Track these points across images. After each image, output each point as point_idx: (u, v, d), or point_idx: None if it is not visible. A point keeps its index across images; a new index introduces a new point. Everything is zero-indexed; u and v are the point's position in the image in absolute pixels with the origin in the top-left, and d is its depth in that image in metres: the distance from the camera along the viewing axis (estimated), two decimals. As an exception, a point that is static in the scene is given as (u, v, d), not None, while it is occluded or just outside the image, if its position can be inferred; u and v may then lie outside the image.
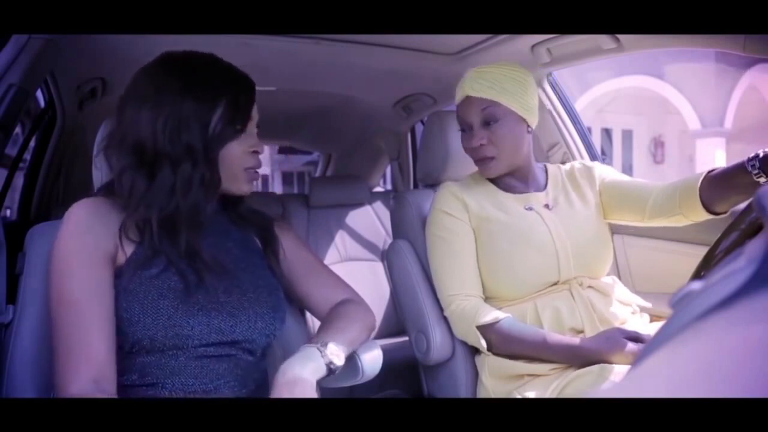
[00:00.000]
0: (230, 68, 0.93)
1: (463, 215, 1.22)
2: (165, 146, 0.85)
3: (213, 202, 0.91)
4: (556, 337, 1.10)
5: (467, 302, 1.18)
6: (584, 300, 1.16)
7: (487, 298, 1.23)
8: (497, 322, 1.14)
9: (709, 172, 1.10)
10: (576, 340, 1.08)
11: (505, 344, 1.13)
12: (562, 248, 1.18)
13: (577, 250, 1.19)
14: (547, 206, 1.23)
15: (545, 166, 1.32)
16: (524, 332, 1.13)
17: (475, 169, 1.29)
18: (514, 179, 1.25)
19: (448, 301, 1.22)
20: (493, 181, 1.26)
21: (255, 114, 0.94)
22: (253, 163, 0.94)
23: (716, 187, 1.07)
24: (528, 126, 1.21)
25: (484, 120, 1.18)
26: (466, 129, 1.22)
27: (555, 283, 1.18)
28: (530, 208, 1.22)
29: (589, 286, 1.19)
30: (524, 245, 1.17)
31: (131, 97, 0.89)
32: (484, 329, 1.15)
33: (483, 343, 1.15)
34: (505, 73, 1.18)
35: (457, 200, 1.23)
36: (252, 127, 0.94)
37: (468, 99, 1.20)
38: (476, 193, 1.24)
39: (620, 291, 1.23)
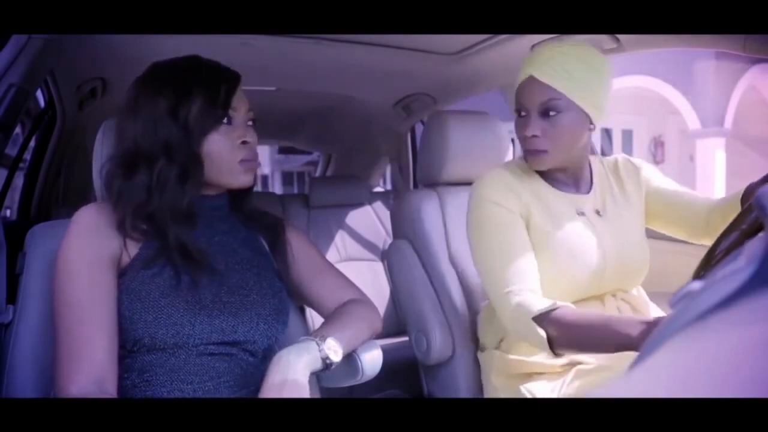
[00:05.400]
0: (209, 64, 0.93)
1: (514, 206, 1.09)
2: (144, 146, 0.87)
3: (195, 197, 0.90)
4: (619, 318, 0.98)
5: (522, 296, 1.03)
6: (614, 310, 1.11)
7: None
8: (555, 309, 0.98)
9: (748, 186, 1.05)
10: (636, 324, 0.92)
11: (568, 334, 0.98)
12: (611, 262, 1.11)
13: (624, 263, 1.13)
14: (597, 212, 1.14)
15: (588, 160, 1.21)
16: (586, 316, 0.98)
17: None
18: (564, 176, 1.15)
19: (502, 301, 1.06)
20: (541, 174, 1.15)
21: (241, 105, 0.92)
22: (245, 154, 0.92)
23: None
24: (591, 123, 1.09)
25: (545, 110, 1.06)
26: (522, 112, 1.10)
27: (593, 295, 1.13)
28: (582, 213, 1.13)
29: (621, 299, 1.14)
30: (575, 257, 1.08)
31: (121, 111, 0.92)
32: (541, 320, 0.99)
33: (543, 336, 0.98)
34: (581, 59, 1.05)
35: (507, 189, 1.10)
36: (239, 119, 0.92)
37: (531, 80, 1.06)
38: (527, 185, 1.12)
39: (648, 305, 1.19)
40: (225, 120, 0.90)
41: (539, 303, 1.00)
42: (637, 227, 1.18)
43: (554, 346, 0.99)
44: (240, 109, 0.92)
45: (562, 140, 1.07)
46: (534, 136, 1.07)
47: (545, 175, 1.15)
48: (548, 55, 1.06)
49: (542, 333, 0.98)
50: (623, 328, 0.91)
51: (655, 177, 1.22)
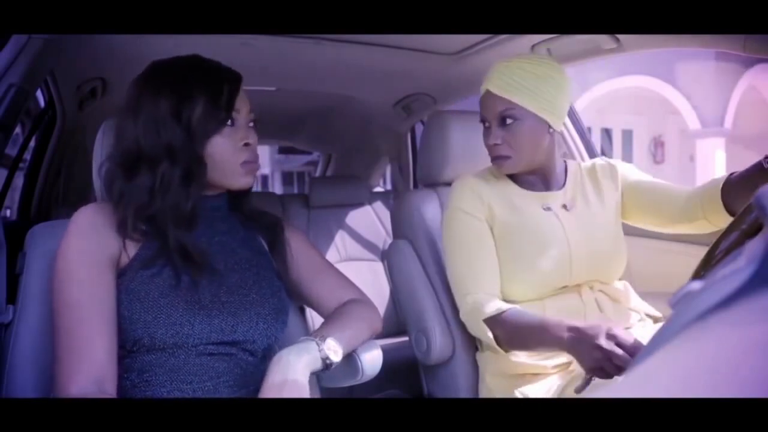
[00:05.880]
0: (211, 64, 0.93)
1: (480, 213, 1.18)
2: (146, 147, 0.87)
3: (197, 199, 0.89)
4: (554, 322, 1.03)
5: (477, 298, 1.14)
6: (592, 302, 1.15)
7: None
8: (501, 313, 1.09)
9: (730, 175, 1.09)
10: (564, 332, 0.99)
11: (510, 335, 1.09)
12: (577, 252, 1.15)
13: (591, 254, 1.16)
14: (564, 207, 1.20)
15: (565, 163, 1.28)
16: (526, 318, 1.07)
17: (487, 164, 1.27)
18: (533, 177, 1.21)
19: (460, 302, 1.18)
20: (512, 177, 1.23)
21: (243, 106, 0.92)
22: (247, 156, 0.92)
23: (737, 189, 1.06)
24: (550, 127, 1.15)
25: (502, 118, 1.14)
26: (485, 123, 1.18)
27: (565, 286, 1.16)
28: (548, 208, 1.19)
29: (600, 291, 1.18)
30: (539, 248, 1.14)
31: (121, 111, 0.91)
32: (490, 322, 1.10)
33: (490, 336, 1.10)
34: (533, 71, 1.12)
35: (474, 196, 1.18)
36: (242, 120, 0.92)
37: (488, 94, 1.16)
38: (494, 188, 1.20)
39: (631, 298, 1.22)
40: (228, 122, 0.90)
41: (491, 306, 1.11)
42: (609, 221, 1.22)
43: (501, 344, 1.11)
44: (242, 110, 0.92)
45: (522, 146, 1.15)
46: (496, 144, 1.15)
47: (515, 178, 1.23)
48: (502, 71, 1.14)
49: (490, 334, 1.10)
50: (555, 331, 1.00)
51: (631, 173, 1.28)
